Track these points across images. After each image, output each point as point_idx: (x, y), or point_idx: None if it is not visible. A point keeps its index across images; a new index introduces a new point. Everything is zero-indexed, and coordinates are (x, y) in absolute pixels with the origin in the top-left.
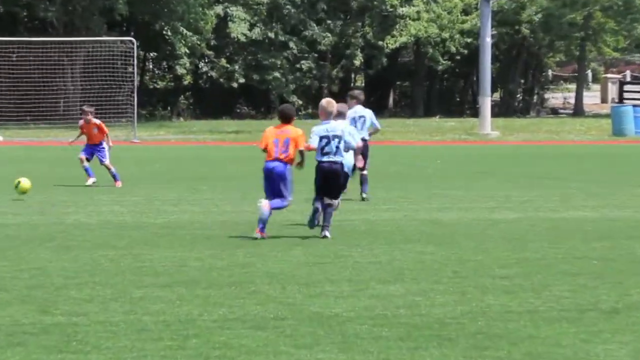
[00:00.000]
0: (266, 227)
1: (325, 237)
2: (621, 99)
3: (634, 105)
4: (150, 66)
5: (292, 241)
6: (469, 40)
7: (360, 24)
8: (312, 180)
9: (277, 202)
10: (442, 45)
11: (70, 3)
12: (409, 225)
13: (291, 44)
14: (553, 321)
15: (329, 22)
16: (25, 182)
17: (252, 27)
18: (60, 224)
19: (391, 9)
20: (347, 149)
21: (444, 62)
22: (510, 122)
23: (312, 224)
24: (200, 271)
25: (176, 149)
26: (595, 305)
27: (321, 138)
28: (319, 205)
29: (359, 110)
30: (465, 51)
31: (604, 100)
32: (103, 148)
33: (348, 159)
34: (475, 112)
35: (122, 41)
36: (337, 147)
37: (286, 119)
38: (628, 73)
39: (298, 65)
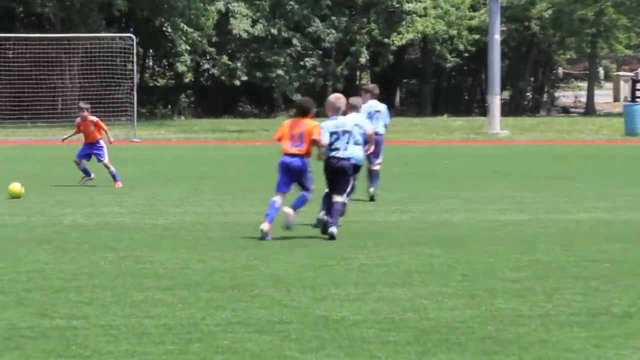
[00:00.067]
0: (271, 231)
1: (331, 234)
2: (634, 98)
3: None
4: (150, 63)
5: (297, 243)
6: (477, 37)
7: (365, 20)
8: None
9: (298, 202)
10: (449, 42)
11: None
12: (417, 227)
13: (295, 41)
14: (564, 325)
15: (333, 18)
16: (15, 187)
17: (254, 23)
18: (58, 225)
19: (397, 5)
20: (363, 141)
21: (451, 59)
22: (519, 121)
23: (320, 224)
24: (203, 274)
25: (177, 148)
26: (608, 309)
27: (331, 134)
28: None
29: (375, 104)
30: (473, 48)
31: (616, 98)
32: (101, 147)
33: (358, 153)
34: (483, 111)
35: (121, 38)
36: (347, 143)
37: (304, 113)
38: None
39: (302, 63)
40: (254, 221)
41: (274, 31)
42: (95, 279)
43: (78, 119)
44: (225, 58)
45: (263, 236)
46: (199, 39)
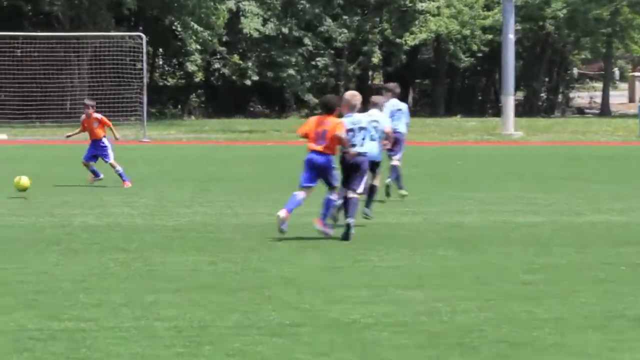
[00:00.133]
0: (287, 220)
1: (348, 225)
2: None
3: None
4: (160, 62)
5: (309, 244)
6: (490, 37)
7: (378, 19)
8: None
9: (325, 209)
10: (463, 42)
11: None
12: (430, 229)
13: (306, 40)
14: (579, 329)
15: (345, 17)
16: (23, 180)
17: (265, 22)
18: (67, 226)
19: (410, 4)
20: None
21: (465, 59)
22: (534, 122)
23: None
24: (214, 276)
25: (187, 148)
26: (623, 313)
27: (347, 131)
28: (341, 200)
29: (396, 103)
30: (487, 49)
31: (631, 99)
32: (105, 146)
33: (373, 149)
34: (497, 112)
35: (130, 36)
36: (363, 139)
37: (328, 110)
38: None
39: (313, 62)
40: (265, 222)
41: (285, 30)
42: (105, 281)
43: (83, 116)
44: (236, 57)
45: (279, 223)
46: (210, 38)
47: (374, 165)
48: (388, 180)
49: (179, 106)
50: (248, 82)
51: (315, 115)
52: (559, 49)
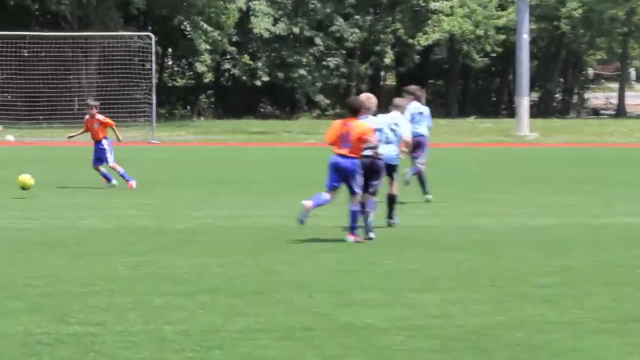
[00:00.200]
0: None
1: (367, 215)
2: None
3: None
4: (169, 63)
5: (321, 247)
6: (503, 37)
7: (390, 19)
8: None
9: (352, 219)
10: (477, 42)
11: None
12: (445, 231)
13: (317, 40)
14: (595, 332)
15: (357, 17)
16: (26, 178)
17: (275, 21)
18: (75, 229)
19: (423, 4)
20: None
21: (479, 59)
22: (548, 123)
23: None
24: (224, 278)
25: (197, 150)
26: None
27: None
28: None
29: (417, 106)
30: (500, 49)
31: None
32: (103, 149)
33: (389, 151)
34: (512, 113)
35: (139, 36)
36: (379, 141)
37: (354, 112)
38: None
39: (325, 63)
40: (277, 225)
41: (296, 30)
42: (114, 284)
43: (87, 116)
44: (246, 58)
45: (301, 212)
46: (219, 38)
47: (391, 169)
48: (407, 177)
49: (189, 107)
50: (258, 83)
51: (327, 116)
52: (574, 49)
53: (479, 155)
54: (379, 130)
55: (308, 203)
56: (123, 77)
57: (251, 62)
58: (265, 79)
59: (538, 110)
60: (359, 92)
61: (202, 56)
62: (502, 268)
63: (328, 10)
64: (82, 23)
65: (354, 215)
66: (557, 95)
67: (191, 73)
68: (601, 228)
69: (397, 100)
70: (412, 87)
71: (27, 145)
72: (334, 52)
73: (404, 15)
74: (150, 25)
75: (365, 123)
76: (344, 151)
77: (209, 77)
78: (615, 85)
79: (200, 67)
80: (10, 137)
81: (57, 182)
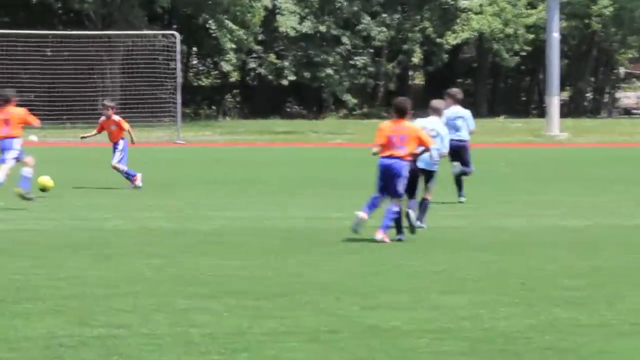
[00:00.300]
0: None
1: (400, 239)
2: None
3: None
4: (194, 62)
5: (347, 249)
6: (532, 36)
7: (418, 17)
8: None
9: (387, 217)
10: (506, 40)
11: None
12: (473, 232)
13: (344, 39)
14: (626, 335)
15: (384, 15)
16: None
17: (302, 20)
18: (98, 230)
19: (452, 2)
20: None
21: (510, 58)
22: (579, 122)
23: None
24: (249, 281)
25: (223, 150)
26: None
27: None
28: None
29: (457, 110)
30: (529, 48)
31: None
32: (116, 150)
33: (424, 156)
34: (542, 112)
35: (164, 35)
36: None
37: (402, 113)
38: None
39: (352, 62)
40: (302, 226)
41: (323, 29)
42: (138, 286)
43: (102, 117)
44: (272, 57)
45: (355, 220)
46: (245, 37)
47: (428, 176)
48: (455, 164)
49: (214, 107)
50: (285, 82)
51: (354, 116)
52: (605, 47)
53: (509, 155)
54: None
55: (379, 233)
56: (147, 76)
57: (277, 61)
58: (292, 78)
59: (569, 110)
60: (387, 91)
61: (228, 55)
62: (532, 269)
63: (355, 8)
64: (106, 22)
65: (391, 215)
66: (588, 95)
67: (217, 72)
68: (632, 229)
69: (436, 103)
70: (454, 90)
71: (51, 146)
72: (361, 51)
73: (432, 14)
74: (175, 23)
75: (419, 127)
76: (395, 153)
77: (234, 77)
78: None
79: (225, 67)
80: (33, 138)
81: (81, 182)
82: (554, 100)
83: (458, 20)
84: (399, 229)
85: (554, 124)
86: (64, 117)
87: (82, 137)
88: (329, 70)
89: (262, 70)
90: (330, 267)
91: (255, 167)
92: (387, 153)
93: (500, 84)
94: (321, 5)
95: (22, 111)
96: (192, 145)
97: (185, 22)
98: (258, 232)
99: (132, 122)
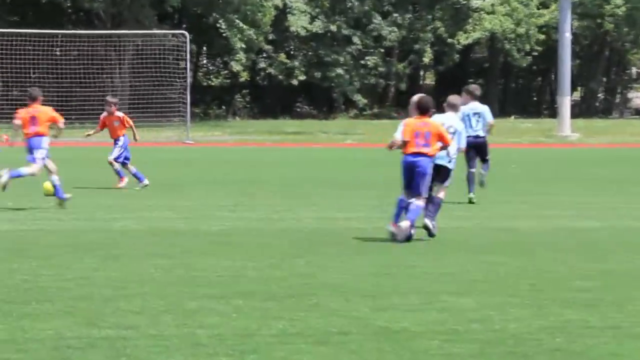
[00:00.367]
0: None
1: (426, 226)
2: None
3: None
4: (204, 62)
5: (357, 250)
6: (543, 37)
7: (430, 17)
8: (368, 186)
9: (414, 213)
10: (518, 40)
11: None
12: (483, 234)
13: (355, 39)
14: (636, 337)
15: (395, 15)
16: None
17: (313, 19)
18: (107, 231)
19: (464, 2)
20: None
21: (522, 57)
22: (591, 123)
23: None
24: (258, 282)
25: (232, 150)
26: None
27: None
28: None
29: (475, 106)
30: (540, 48)
31: None
32: (116, 145)
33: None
34: (553, 113)
35: (173, 35)
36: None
37: (425, 111)
38: None
39: (363, 62)
40: (312, 227)
41: (334, 28)
42: (146, 287)
43: (104, 113)
44: (282, 56)
45: (393, 238)
46: (255, 37)
47: (444, 173)
48: (483, 172)
49: (224, 107)
50: (295, 82)
51: (364, 116)
52: (618, 47)
53: (520, 156)
54: None
55: (405, 224)
56: (157, 76)
57: (288, 61)
58: (302, 78)
59: (580, 110)
60: (398, 91)
61: (238, 55)
62: (542, 271)
63: (366, 8)
64: (116, 21)
65: (418, 211)
66: (599, 95)
67: (226, 72)
68: None
69: (452, 99)
70: (472, 86)
71: (60, 146)
72: (372, 50)
73: (444, 13)
74: (185, 23)
75: (438, 123)
76: (421, 150)
77: (244, 76)
78: None
79: (235, 66)
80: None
81: (90, 182)
82: (566, 101)
83: (470, 20)
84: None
85: (566, 125)
86: (73, 117)
87: (87, 135)
88: (340, 70)
89: (272, 70)
90: (340, 268)
91: (265, 168)
92: (412, 150)
93: (512, 84)
94: (332, 5)
95: (49, 109)
96: (201, 145)
97: (195, 22)
98: (267, 233)
99: (141, 121)
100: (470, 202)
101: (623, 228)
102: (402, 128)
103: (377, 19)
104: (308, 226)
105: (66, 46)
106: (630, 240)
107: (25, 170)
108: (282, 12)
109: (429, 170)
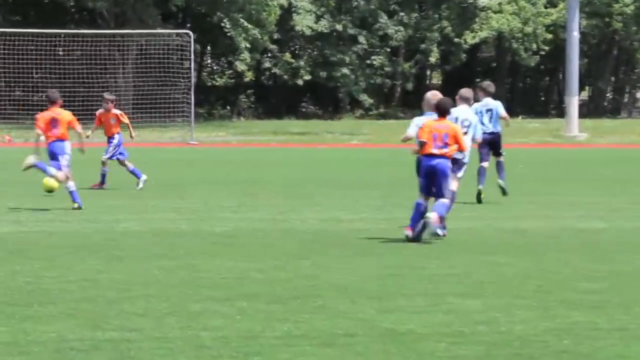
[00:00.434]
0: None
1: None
2: None
3: None
4: (209, 61)
5: (362, 251)
6: (550, 36)
7: (437, 16)
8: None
9: (442, 207)
10: (526, 40)
11: None
12: (489, 235)
13: (361, 38)
14: None
15: (402, 14)
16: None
17: (318, 19)
18: (110, 232)
19: (471, 1)
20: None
21: (529, 57)
22: (599, 123)
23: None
24: (263, 283)
25: (236, 151)
26: None
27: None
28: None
29: (489, 102)
30: (547, 47)
31: None
32: (111, 144)
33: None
34: (561, 112)
35: (177, 34)
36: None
37: (444, 113)
38: None
39: (368, 61)
40: (317, 229)
41: (339, 28)
42: (150, 289)
43: (100, 110)
44: (287, 56)
45: (408, 240)
46: (260, 36)
47: (459, 164)
48: (500, 182)
49: (228, 107)
50: (300, 82)
51: (370, 116)
52: (626, 46)
53: (527, 156)
54: None
55: (433, 216)
56: (161, 76)
57: (293, 61)
58: (307, 78)
59: (588, 110)
60: (404, 91)
61: (242, 55)
62: (548, 273)
63: (372, 7)
64: (119, 20)
65: (447, 208)
66: (608, 95)
67: (231, 72)
68: None
69: (465, 92)
70: (485, 83)
71: None
72: (378, 50)
73: (450, 13)
74: (189, 22)
75: (455, 125)
76: (440, 151)
77: (249, 76)
78: None
79: (240, 66)
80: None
81: (89, 183)
82: (573, 100)
83: (477, 19)
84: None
85: (573, 124)
86: (77, 117)
87: (86, 136)
88: (345, 70)
89: (277, 70)
90: (345, 270)
91: (269, 168)
92: (431, 152)
93: (519, 84)
94: (338, 4)
95: (68, 113)
96: (205, 146)
97: (199, 21)
98: (272, 234)
99: (145, 122)
100: (479, 195)
101: (630, 229)
102: (419, 130)
103: (383, 18)
104: (312, 227)
105: (69, 46)
106: (638, 242)
107: (52, 170)
108: (287, 12)
109: (449, 172)
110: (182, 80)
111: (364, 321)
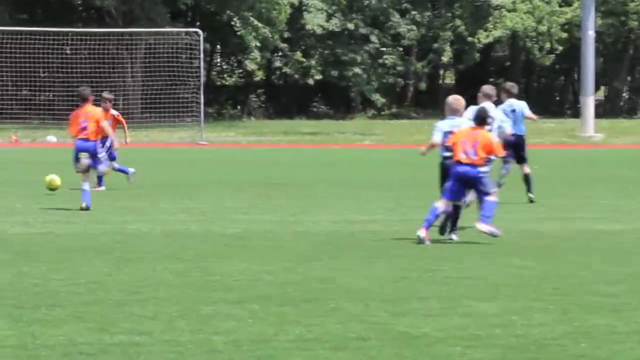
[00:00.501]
0: (428, 237)
1: (451, 239)
2: None
3: None
4: (218, 60)
5: (377, 254)
6: (565, 35)
7: (450, 15)
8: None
9: (489, 210)
10: (540, 39)
11: None
12: (505, 237)
13: (373, 37)
14: None
15: (414, 13)
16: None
17: (329, 17)
18: (119, 234)
19: None
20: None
21: (544, 56)
22: (615, 123)
23: (442, 230)
24: (275, 286)
25: (247, 151)
26: None
27: (445, 134)
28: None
29: (512, 103)
30: (562, 47)
31: None
32: (104, 145)
33: None
34: (576, 113)
35: (186, 33)
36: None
37: (482, 123)
38: None
39: (380, 61)
40: (329, 230)
41: (351, 26)
42: (160, 292)
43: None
44: (298, 55)
45: (420, 241)
46: (270, 35)
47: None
48: (531, 195)
49: (238, 107)
50: (311, 81)
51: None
52: None
53: (542, 156)
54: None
55: (483, 228)
56: (170, 75)
57: (304, 60)
58: (318, 77)
59: (604, 110)
60: (417, 91)
61: (252, 54)
62: (566, 275)
63: (384, 5)
64: (127, 19)
65: (493, 206)
66: (624, 94)
67: (241, 71)
68: None
69: (487, 89)
70: (509, 84)
71: (70, 147)
72: (390, 49)
73: (464, 11)
74: (199, 21)
75: (489, 134)
76: (469, 159)
77: (259, 76)
78: None
79: (250, 65)
80: (52, 138)
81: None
82: (589, 100)
83: (490, 18)
84: (453, 225)
85: (589, 125)
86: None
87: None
88: (357, 69)
89: (287, 69)
90: (359, 273)
91: (281, 169)
92: (462, 159)
93: (534, 84)
94: (349, 3)
95: (98, 110)
96: (215, 146)
97: (208, 20)
98: (284, 235)
99: (153, 122)
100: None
101: None
102: (451, 135)
103: (396, 17)
104: (324, 229)
105: (76, 45)
106: None
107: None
108: (298, 10)
109: (481, 174)
110: (191, 79)
111: (378, 324)
